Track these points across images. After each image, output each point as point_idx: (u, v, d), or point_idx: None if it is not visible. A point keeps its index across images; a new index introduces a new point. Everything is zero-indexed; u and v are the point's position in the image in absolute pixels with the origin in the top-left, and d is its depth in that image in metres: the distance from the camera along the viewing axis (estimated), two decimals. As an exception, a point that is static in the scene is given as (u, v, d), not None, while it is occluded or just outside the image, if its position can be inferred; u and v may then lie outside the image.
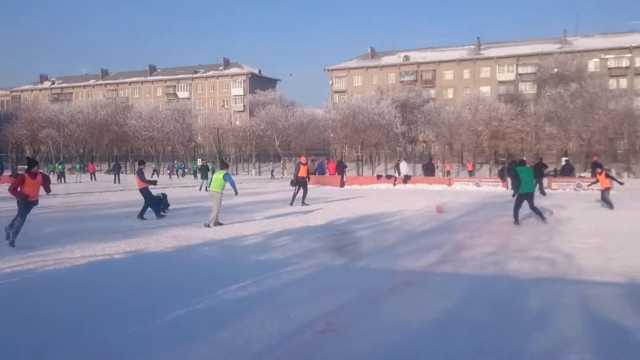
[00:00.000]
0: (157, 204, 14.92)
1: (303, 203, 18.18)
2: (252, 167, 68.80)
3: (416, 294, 6.45)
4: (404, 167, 33.63)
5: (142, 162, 16.24)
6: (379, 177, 34.41)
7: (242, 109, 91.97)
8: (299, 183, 18.46)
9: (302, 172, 18.56)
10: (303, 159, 20.41)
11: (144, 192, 14.84)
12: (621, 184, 18.19)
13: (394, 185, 31.68)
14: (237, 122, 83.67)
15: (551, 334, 4.90)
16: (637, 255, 8.77)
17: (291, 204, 18.08)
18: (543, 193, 24.77)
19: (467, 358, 4.34)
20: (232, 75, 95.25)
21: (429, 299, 6.21)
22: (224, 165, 14.67)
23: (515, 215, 13.23)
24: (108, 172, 56.48)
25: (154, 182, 15.38)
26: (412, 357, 4.38)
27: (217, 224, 12.94)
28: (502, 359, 4.33)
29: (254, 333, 4.93)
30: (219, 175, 13.48)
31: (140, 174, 15.06)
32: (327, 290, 6.58)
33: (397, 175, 33.08)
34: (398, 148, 66.86)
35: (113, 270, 8.00)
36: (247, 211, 16.53)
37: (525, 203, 13.22)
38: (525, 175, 13.18)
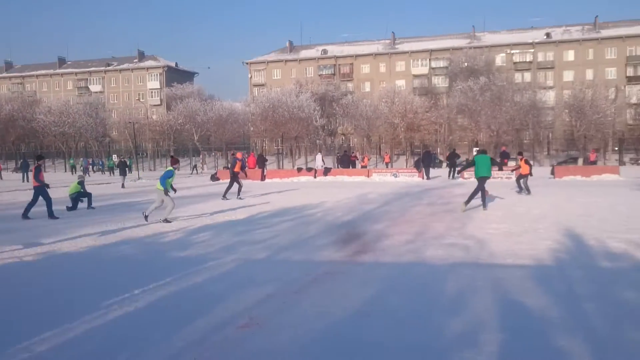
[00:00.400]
0: (49, 203, 14.04)
1: (238, 197, 18.42)
2: (170, 163, 67.03)
3: (337, 284, 6.53)
4: (319, 160, 34.39)
5: (40, 157, 15.00)
6: (299, 170, 34.55)
7: (158, 102, 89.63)
8: (234, 178, 18.74)
9: (237, 167, 18.97)
10: (239, 155, 20.81)
11: (39, 190, 14.00)
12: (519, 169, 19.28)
13: (315, 177, 31.94)
14: (154, 117, 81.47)
15: (466, 316, 5.12)
16: (543, 238, 9.31)
17: (224, 197, 18.33)
18: (454, 178, 26.86)
19: (388, 343, 4.46)
20: (148, 68, 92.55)
21: (350, 288, 6.31)
22: (173, 161, 14.03)
23: (470, 199, 13.99)
24: (15, 170, 53.28)
25: (46, 185, 14.19)
26: (335, 346, 4.44)
27: (166, 220, 12.57)
28: (422, 342, 4.48)
29: (173, 330, 4.83)
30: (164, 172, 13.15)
31: (37, 171, 14.11)
32: (248, 284, 6.54)
33: (322, 167, 33.49)
34: (318, 141, 67.40)
35: (22, 272, 7.58)
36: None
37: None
38: (483, 162, 14.12)
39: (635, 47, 72.59)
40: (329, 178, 31.51)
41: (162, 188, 12.70)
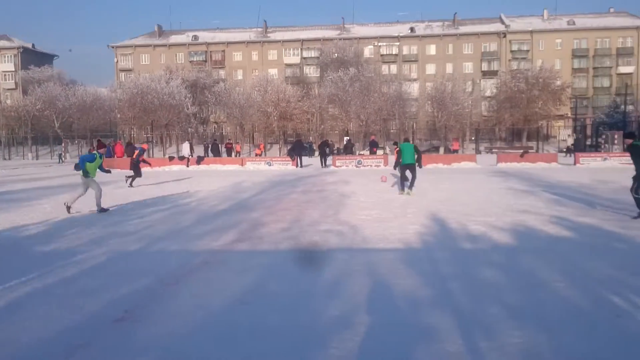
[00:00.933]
0: None
1: (130, 185, 18.83)
2: (29, 151, 62.04)
3: (216, 274, 6.46)
4: (186, 148, 33.99)
5: None
6: (170, 158, 33.55)
7: (13, 86, 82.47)
8: (136, 167, 19.04)
9: (135, 156, 19.43)
10: (145, 146, 21.74)
11: None
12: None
13: (187, 166, 31.19)
14: (9, 101, 74.91)
15: (343, 299, 5.30)
16: (411, 223, 9.86)
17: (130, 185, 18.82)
18: (326, 166, 27.78)
19: (268, 330, 4.51)
20: (0, 49, 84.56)
21: (229, 277, 6.27)
22: (99, 145, 13.15)
23: (402, 185, 15.07)
24: None
25: None
26: (216, 335, 4.41)
27: (102, 210, 11.98)
28: (302, 326, 4.58)
29: (39, 328, 4.53)
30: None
31: None
32: (122, 277, 6.27)
33: (189, 156, 32.80)
34: (190, 129, 65.78)
35: None
36: (26, 199, 14.93)
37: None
38: (407, 150, 14.82)
39: (489, 44, 78.63)
40: (202, 167, 30.93)
41: (91, 174, 12.02)
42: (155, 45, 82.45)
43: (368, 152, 35.03)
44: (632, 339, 4.20)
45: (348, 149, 34.79)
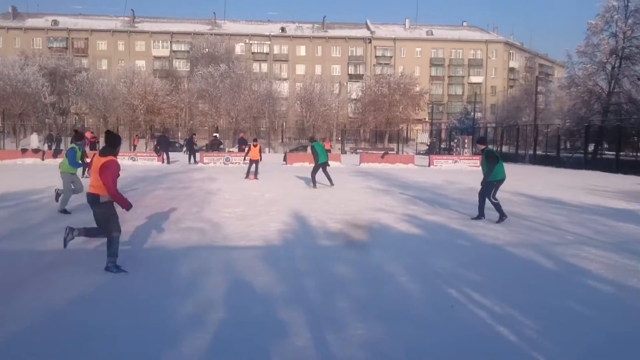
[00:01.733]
0: None
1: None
2: None
3: (65, 273, 6.17)
4: (34, 140, 32.17)
5: None
6: (23, 151, 31.05)
7: None
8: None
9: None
10: (88, 134, 20.23)
11: None
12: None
13: (42, 160, 29.11)
14: None
15: (199, 297, 5.33)
16: (273, 221, 10.05)
17: None
18: (196, 162, 27.71)
19: (116, 330, 4.42)
20: None
21: (77, 277, 5.99)
22: (78, 136, 11.88)
23: (313, 180, 16.66)
24: None
25: None
26: (60, 337, 4.25)
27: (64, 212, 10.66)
28: (154, 326, 4.54)
29: None
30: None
31: None
32: (-43, 280, 5.79)
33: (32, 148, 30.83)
34: (47, 120, 61.35)
35: None
36: None
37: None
38: (320, 148, 16.67)
39: (356, 48, 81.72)
40: (59, 160, 28.97)
41: (73, 170, 10.92)
42: (9, 28, 75.79)
43: (237, 150, 34.95)
44: (464, 326, 4.67)
45: (215, 146, 34.45)
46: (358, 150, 53.57)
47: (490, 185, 10.47)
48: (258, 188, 16.31)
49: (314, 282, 5.98)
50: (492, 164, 10.40)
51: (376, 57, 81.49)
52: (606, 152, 35.70)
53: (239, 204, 12.55)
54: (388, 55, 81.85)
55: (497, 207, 10.41)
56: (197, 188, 16.06)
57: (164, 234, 8.63)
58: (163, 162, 29.33)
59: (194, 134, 34.33)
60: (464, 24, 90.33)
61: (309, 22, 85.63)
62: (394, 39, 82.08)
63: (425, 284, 5.95)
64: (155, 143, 33.44)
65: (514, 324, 4.68)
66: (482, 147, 10.94)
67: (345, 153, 50.88)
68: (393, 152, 49.46)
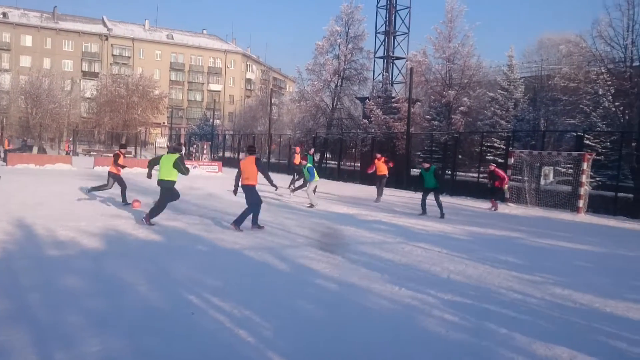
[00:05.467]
0: None
1: None
2: None
3: None
4: None
5: None
6: None
7: None
8: None
9: None
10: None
11: None
12: None
13: None
14: None
15: None
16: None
17: None
18: None
19: None
20: None
21: None
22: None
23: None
24: None
25: None
26: None
27: None
28: None
29: None
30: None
31: None
32: None
33: None
34: None
35: None
36: None
37: None
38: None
39: (90, 44, 76.58)
40: None
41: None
42: None
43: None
44: (204, 332, 4.68)
45: None
46: (92, 153, 50.08)
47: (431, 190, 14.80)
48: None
49: (40, 296, 5.41)
50: (439, 177, 15.02)
51: (113, 55, 77.54)
52: (329, 162, 39.57)
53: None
54: (126, 55, 78.55)
55: (440, 206, 14.55)
56: None
57: None
58: None
59: None
60: (204, 31, 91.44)
61: (37, 11, 77.46)
62: (133, 39, 79.14)
63: (165, 292, 5.83)
64: None
65: (252, 326, 4.87)
66: (428, 165, 14.95)
67: (78, 155, 47.16)
68: (130, 155, 47.41)
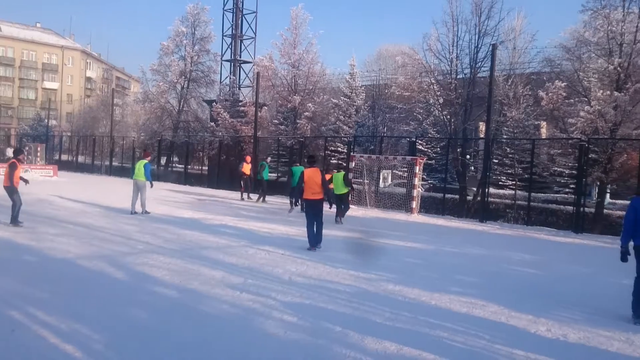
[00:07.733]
0: None
1: None
2: None
3: None
4: None
5: None
6: None
7: None
8: None
9: None
10: None
11: None
12: None
13: None
14: None
15: None
16: None
17: None
18: None
19: None
20: None
21: None
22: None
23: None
24: None
25: None
26: None
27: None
28: None
29: None
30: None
31: None
32: None
33: None
34: None
35: None
36: None
37: None
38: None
39: None
40: None
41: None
42: None
43: None
44: (23, 351, 4.30)
45: None
46: None
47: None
48: None
49: None
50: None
51: None
52: (177, 165, 38.52)
53: None
54: (-59, 45, 70.11)
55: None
56: None
57: None
58: None
59: None
60: (38, 24, 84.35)
61: None
62: (-50, 28, 70.81)
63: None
64: None
65: (81, 339, 4.59)
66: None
67: None
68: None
